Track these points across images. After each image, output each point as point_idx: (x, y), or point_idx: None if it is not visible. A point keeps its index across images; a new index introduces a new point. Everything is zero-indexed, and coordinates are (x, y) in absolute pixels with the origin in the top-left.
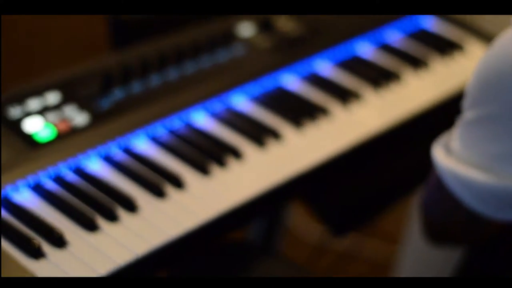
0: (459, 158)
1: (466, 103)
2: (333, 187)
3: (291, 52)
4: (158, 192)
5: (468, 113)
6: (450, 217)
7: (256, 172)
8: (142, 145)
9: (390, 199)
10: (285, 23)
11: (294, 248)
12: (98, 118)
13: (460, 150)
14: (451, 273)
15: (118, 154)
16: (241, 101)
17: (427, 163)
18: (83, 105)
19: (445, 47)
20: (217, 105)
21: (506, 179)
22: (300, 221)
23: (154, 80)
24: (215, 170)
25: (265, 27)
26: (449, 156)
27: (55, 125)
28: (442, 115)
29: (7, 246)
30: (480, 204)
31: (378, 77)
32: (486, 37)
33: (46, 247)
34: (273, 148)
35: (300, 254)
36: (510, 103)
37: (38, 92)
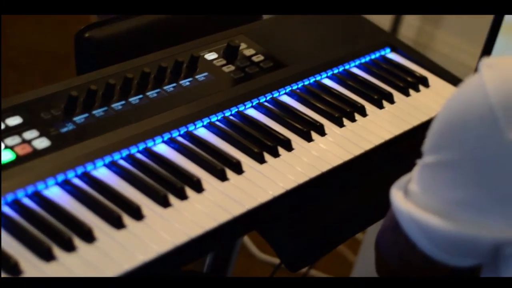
0: (417, 202)
1: (426, 147)
2: (289, 221)
3: (254, 81)
4: (116, 223)
5: (428, 157)
6: (405, 259)
7: (215, 204)
8: (102, 172)
9: (347, 234)
10: (249, 50)
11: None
12: (59, 142)
13: (418, 194)
14: None
15: (77, 180)
16: (203, 131)
17: (385, 200)
18: (44, 129)
19: (411, 82)
20: (180, 133)
21: (463, 226)
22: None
23: (118, 106)
24: (175, 202)
25: (229, 53)
26: (408, 199)
27: (15, 148)
28: (402, 149)
29: None
30: (436, 249)
31: (342, 109)
32: (450, 77)
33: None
34: (234, 180)
35: (251, 265)
36: (471, 152)
37: None
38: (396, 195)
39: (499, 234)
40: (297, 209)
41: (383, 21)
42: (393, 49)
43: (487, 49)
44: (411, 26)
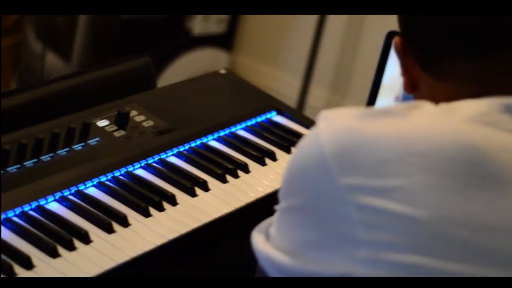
0: (274, 243)
1: (280, 194)
2: (175, 270)
3: (144, 144)
4: (6, 272)
5: (281, 203)
6: None
7: (101, 253)
8: None
9: None
10: (139, 117)
11: None
12: None
13: (275, 236)
14: None
15: None
16: (94, 189)
17: None
18: None
19: (293, 141)
20: (71, 192)
21: (309, 264)
22: None
23: (12, 169)
24: (64, 252)
25: (120, 120)
26: (267, 242)
27: None
28: None
29: None
30: None
31: (224, 168)
32: None
33: None
34: (120, 232)
35: None
36: (311, 197)
37: None
38: (257, 238)
39: (340, 271)
40: (181, 258)
41: (291, 90)
42: (279, 112)
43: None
44: (318, 96)
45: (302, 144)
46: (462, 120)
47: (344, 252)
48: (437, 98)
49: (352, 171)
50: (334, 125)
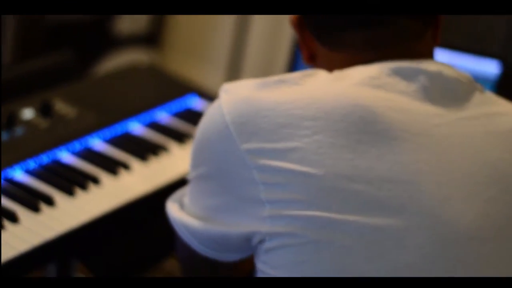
0: (187, 211)
1: (190, 164)
2: (102, 246)
3: (68, 131)
4: None
5: (191, 173)
6: (192, 262)
7: (30, 231)
8: None
9: (155, 259)
10: (63, 107)
11: None
12: None
13: (188, 205)
14: None
15: None
16: (20, 174)
17: None
18: None
19: None
20: None
21: (218, 226)
22: None
23: None
24: None
25: (44, 110)
26: (181, 210)
27: None
28: None
29: None
30: (205, 249)
31: (146, 150)
32: None
33: None
34: (46, 212)
35: None
36: (217, 164)
37: None
38: (171, 207)
39: (246, 229)
40: (106, 234)
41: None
42: (201, 97)
43: None
44: None
45: (206, 116)
46: (353, 84)
47: (250, 212)
48: (333, 67)
49: (251, 137)
50: (234, 96)
